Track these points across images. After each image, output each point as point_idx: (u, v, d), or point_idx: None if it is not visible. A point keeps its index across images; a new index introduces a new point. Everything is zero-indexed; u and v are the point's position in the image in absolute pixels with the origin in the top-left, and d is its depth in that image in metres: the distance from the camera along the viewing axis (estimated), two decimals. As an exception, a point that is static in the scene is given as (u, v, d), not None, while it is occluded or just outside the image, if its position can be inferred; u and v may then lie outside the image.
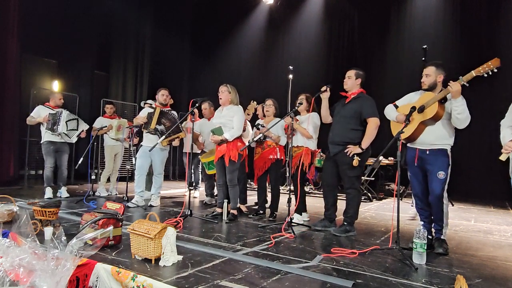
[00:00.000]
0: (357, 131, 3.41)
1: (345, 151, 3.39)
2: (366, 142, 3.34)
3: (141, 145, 4.90)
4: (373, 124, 3.34)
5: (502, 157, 2.41)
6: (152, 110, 4.66)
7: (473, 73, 2.68)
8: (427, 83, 2.95)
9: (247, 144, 3.94)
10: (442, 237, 2.95)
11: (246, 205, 4.72)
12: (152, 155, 4.64)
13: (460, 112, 2.72)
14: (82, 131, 5.27)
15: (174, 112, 4.77)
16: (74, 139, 5.25)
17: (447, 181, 2.89)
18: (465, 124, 2.78)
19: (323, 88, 3.59)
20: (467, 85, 2.70)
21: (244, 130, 4.26)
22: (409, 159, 3.07)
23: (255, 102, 4.75)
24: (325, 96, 3.63)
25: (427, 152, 2.91)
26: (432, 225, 3.01)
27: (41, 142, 5.19)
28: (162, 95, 4.78)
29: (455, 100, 2.71)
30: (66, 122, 5.03)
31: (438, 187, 2.85)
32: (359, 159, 3.32)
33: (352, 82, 3.50)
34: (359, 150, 3.33)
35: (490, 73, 2.64)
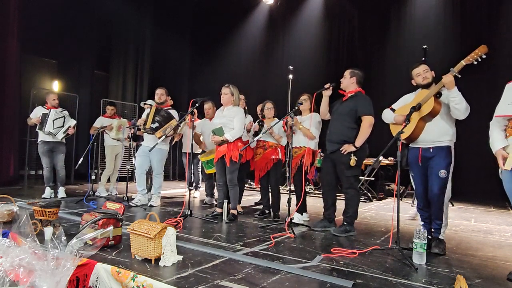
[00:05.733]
0: (353, 129, 3.41)
1: (341, 149, 3.39)
2: (360, 140, 3.33)
3: (141, 145, 4.92)
4: (366, 122, 3.33)
5: (507, 166, 2.32)
6: (149, 111, 4.70)
7: (463, 62, 2.73)
8: (429, 77, 2.96)
9: (249, 143, 3.95)
10: (440, 236, 2.94)
11: (242, 205, 4.72)
12: (150, 155, 4.65)
13: (457, 103, 2.73)
14: (69, 127, 5.17)
15: (171, 110, 4.78)
16: (60, 136, 5.11)
17: (448, 179, 2.88)
18: (465, 114, 2.79)
19: (327, 85, 3.59)
20: (459, 76, 2.74)
21: (248, 132, 4.29)
22: (412, 159, 3.04)
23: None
24: (327, 94, 3.65)
25: (431, 150, 2.90)
26: (431, 225, 3.00)
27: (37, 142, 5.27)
28: (157, 94, 4.79)
29: (450, 91, 2.74)
30: (53, 120, 5.04)
31: (438, 185, 2.85)
32: (356, 159, 3.32)
33: (347, 82, 3.52)
34: (353, 149, 3.32)
35: (479, 59, 2.68)
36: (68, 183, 5.50)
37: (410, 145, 3.08)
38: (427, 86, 2.95)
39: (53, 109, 5.14)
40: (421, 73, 2.98)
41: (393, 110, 3.17)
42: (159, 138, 4.51)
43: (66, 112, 5.33)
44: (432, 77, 2.97)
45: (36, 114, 5.19)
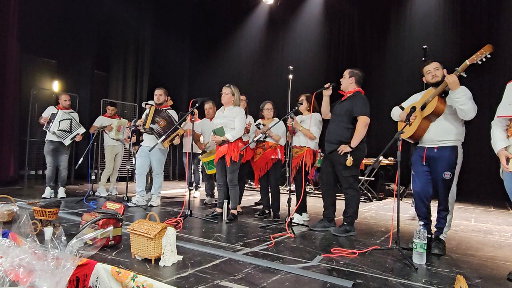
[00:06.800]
0: (349, 129, 3.41)
1: (337, 150, 3.39)
2: (355, 141, 3.32)
3: (141, 145, 4.92)
4: (361, 122, 3.32)
5: (511, 167, 2.29)
6: (148, 111, 4.70)
7: (467, 62, 2.69)
8: (439, 75, 2.90)
9: (249, 143, 3.95)
10: (441, 236, 2.94)
11: (242, 205, 4.72)
12: (150, 155, 4.64)
13: (462, 103, 2.69)
14: (77, 134, 5.20)
15: (171, 111, 4.76)
16: (67, 142, 5.15)
17: (453, 181, 2.85)
18: (472, 115, 2.73)
19: (327, 85, 3.60)
20: (465, 75, 2.70)
21: (248, 132, 4.28)
22: (416, 158, 3.02)
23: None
24: (327, 94, 3.66)
25: (435, 150, 2.87)
26: (434, 224, 2.98)
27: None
28: (156, 95, 4.78)
29: (454, 92, 2.70)
30: (59, 121, 5.06)
31: (443, 187, 2.84)
32: (352, 159, 3.32)
33: (346, 82, 3.52)
34: (348, 149, 3.32)
35: (484, 59, 2.65)
36: (68, 183, 5.50)
37: (417, 144, 3.06)
38: (436, 84, 2.90)
39: (61, 110, 5.17)
40: (431, 70, 2.94)
41: (402, 108, 3.17)
42: (166, 147, 4.61)
43: (75, 115, 5.37)
44: (443, 75, 2.90)
45: (47, 113, 5.25)
